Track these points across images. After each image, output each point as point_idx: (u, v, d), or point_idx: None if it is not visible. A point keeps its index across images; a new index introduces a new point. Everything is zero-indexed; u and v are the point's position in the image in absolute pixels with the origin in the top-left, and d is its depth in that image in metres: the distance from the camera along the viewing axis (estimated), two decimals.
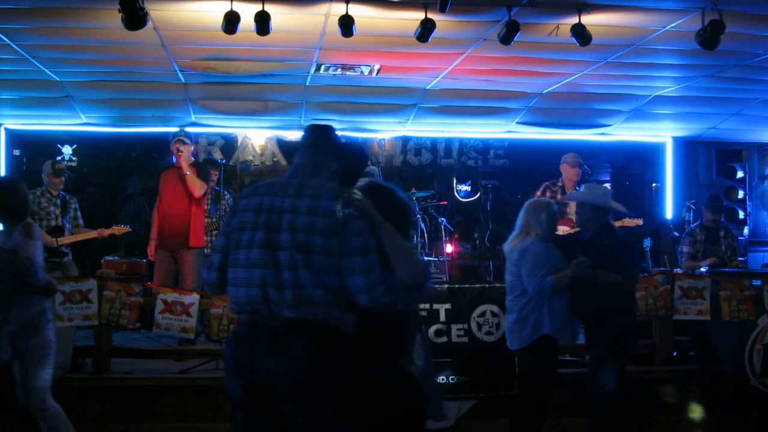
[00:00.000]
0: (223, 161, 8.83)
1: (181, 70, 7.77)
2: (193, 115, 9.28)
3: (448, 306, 5.94)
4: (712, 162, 10.70)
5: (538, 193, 7.66)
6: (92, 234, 7.38)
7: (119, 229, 7.57)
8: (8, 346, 4.43)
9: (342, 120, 9.62)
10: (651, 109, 9.23)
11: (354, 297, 2.86)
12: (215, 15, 5.91)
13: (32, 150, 9.69)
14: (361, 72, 7.84)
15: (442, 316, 5.95)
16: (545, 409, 4.97)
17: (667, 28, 6.40)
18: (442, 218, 8.83)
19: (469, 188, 10.75)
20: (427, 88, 8.44)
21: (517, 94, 8.71)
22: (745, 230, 10.39)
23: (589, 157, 7.93)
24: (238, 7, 5.80)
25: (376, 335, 3.06)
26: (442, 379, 5.81)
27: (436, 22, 5.97)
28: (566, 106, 9.12)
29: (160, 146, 9.42)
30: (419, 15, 6.00)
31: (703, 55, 6.63)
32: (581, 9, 6.00)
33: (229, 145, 10.22)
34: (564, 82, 8.20)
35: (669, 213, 10.53)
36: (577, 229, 5.28)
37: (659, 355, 6.43)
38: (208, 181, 7.49)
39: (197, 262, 7.18)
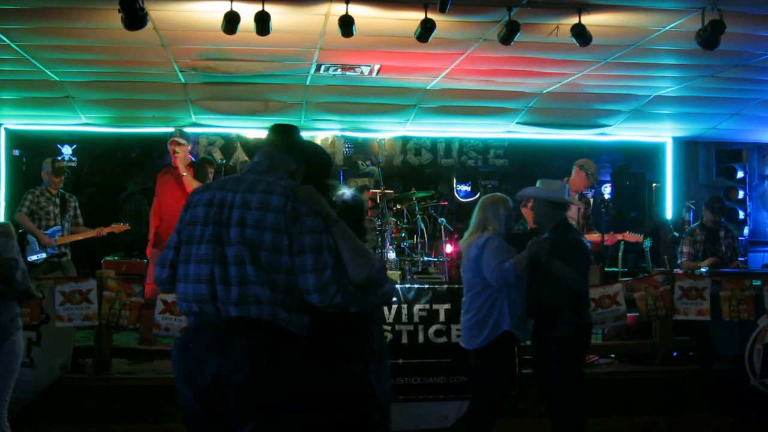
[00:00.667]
0: (223, 161, 8.81)
1: (181, 71, 7.77)
2: (193, 116, 9.29)
3: (448, 306, 5.93)
4: (712, 162, 10.71)
5: None
6: (91, 233, 7.37)
7: (118, 227, 7.56)
8: None
9: (342, 120, 9.65)
10: (651, 109, 9.23)
11: (305, 296, 2.78)
12: (215, 15, 5.91)
13: (32, 150, 9.71)
14: (361, 72, 7.84)
15: (442, 316, 5.94)
16: (499, 411, 4.83)
17: (667, 28, 6.40)
18: (442, 218, 8.82)
19: (469, 188, 10.77)
20: (427, 88, 8.44)
21: (517, 95, 8.71)
22: (745, 230, 10.41)
23: (589, 157, 7.90)
24: (238, 7, 5.81)
25: (328, 338, 2.98)
26: (443, 379, 5.82)
27: (436, 23, 5.98)
28: (566, 106, 9.12)
29: (160, 146, 9.38)
30: (419, 15, 6.00)
31: (703, 56, 6.63)
32: (581, 9, 6.01)
33: (228, 145, 10.22)
34: (564, 82, 8.20)
35: (669, 213, 10.54)
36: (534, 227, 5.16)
37: (659, 355, 6.42)
38: (206, 181, 7.46)
39: None
